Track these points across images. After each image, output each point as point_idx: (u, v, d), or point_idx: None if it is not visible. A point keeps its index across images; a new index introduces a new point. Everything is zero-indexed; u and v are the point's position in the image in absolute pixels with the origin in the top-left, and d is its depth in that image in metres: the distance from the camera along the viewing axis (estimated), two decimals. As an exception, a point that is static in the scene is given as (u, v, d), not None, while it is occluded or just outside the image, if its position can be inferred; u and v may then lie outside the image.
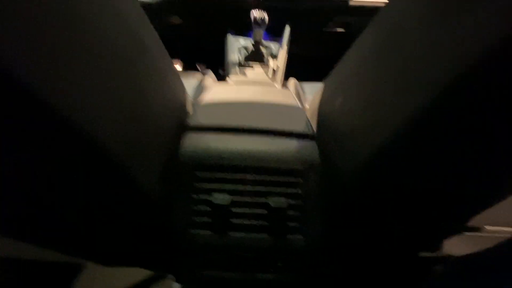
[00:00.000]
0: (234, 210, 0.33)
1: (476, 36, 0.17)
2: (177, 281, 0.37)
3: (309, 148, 0.35)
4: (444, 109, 0.20)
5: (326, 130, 0.35)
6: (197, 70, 1.03)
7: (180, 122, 0.36)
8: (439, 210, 0.33)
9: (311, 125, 0.39)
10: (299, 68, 0.78)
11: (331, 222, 0.34)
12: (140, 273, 0.76)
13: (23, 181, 0.23)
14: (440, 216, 0.35)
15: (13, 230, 0.30)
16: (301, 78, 0.62)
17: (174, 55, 0.40)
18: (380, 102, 0.26)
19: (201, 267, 0.35)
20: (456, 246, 0.45)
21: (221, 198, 0.31)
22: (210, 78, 0.58)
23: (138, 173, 0.27)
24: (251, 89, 0.50)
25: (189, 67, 1.03)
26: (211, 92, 0.46)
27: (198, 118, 0.38)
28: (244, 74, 0.73)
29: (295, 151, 0.35)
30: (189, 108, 0.41)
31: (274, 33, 0.86)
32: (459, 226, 0.41)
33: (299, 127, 0.38)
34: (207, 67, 0.89)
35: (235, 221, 0.33)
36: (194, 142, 0.35)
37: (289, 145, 0.35)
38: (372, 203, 0.32)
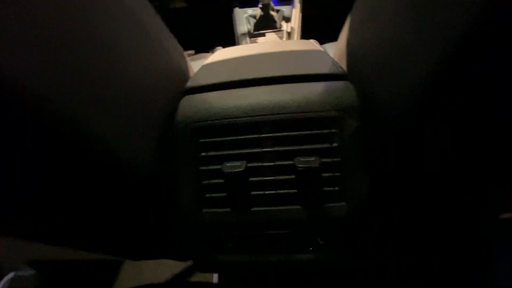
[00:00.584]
0: (252, 179, 0.27)
1: None
2: (196, 269, 0.32)
3: (343, 88, 0.27)
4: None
5: (361, 65, 0.27)
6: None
7: (177, 88, 0.31)
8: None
9: (340, 66, 0.31)
10: (318, 30, 0.69)
11: (377, 179, 0.26)
12: (180, 265, 0.76)
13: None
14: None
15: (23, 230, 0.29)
16: (322, 41, 0.54)
17: (185, 44, 0.37)
18: (425, 17, 0.19)
19: (220, 252, 0.29)
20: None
21: (233, 166, 0.25)
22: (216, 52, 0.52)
23: (127, 154, 0.23)
24: (264, 44, 0.43)
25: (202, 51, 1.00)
26: (216, 54, 0.40)
27: (198, 79, 0.32)
28: (255, 43, 0.66)
29: (325, 94, 0.26)
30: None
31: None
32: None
33: (326, 68, 0.30)
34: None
35: (255, 192, 0.27)
36: (192, 103, 0.28)
37: (316, 89, 0.27)
38: (427, 146, 0.24)
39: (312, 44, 0.41)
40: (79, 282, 0.77)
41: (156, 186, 0.27)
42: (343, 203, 0.26)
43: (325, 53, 0.36)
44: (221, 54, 0.40)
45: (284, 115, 0.26)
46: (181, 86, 0.31)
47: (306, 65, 0.32)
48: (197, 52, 1.06)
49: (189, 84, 0.32)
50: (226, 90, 0.29)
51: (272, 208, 0.27)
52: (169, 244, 0.33)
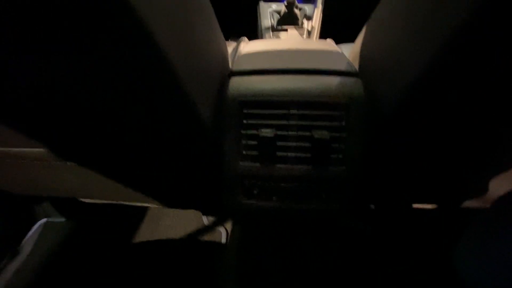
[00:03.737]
0: (279, 143, 0.36)
1: None
2: (226, 212, 0.42)
3: (353, 83, 0.36)
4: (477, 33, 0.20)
5: (369, 66, 0.36)
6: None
7: (224, 70, 0.40)
8: (486, 146, 0.33)
9: (353, 65, 0.40)
10: (335, 30, 0.76)
11: (372, 154, 0.36)
12: (194, 225, 0.86)
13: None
14: (485, 154, 0.35)
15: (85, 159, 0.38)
16: (338, 40, 0.61)
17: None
18: (419, 29, 0.25)
19: (248, 197, 0.39)
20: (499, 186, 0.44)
21: (266, 132, 0.35)
22: (244, 42, 0.60)
23: (197, 101, 0.30)
24: (288, 41, 0.52)
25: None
26: (248, 46, 0.49)
27: (240, 65, 0.41)
28: (278, 37, 0.74)
29: (339, 86, 0.36)
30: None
31: (308, -4, 0.84)
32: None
33: (342, 66, 0.39)
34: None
35: (280, 153, 0.37)
36: (239, 83, 0.37)
37: (333, 81, 0.36)
38: (414, 134, 0.33)
39: (330, 45, 0.50)
40: (100, 232, 0.87)
41: (210, 142, 0.37)
42: (344, 168, 0.36)
43: (342, 54, 0.45)
44: (254, 45, 0.48)
45: (307, 98, 0.35)
46: (226, 69, 0.40)
47: (326, 62, 0.41)
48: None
49: (235, 68, 0.40)
50: (264, 75, 0.38)
51: (292, 166, 0.36)
52: (209, 192, 0.43)
